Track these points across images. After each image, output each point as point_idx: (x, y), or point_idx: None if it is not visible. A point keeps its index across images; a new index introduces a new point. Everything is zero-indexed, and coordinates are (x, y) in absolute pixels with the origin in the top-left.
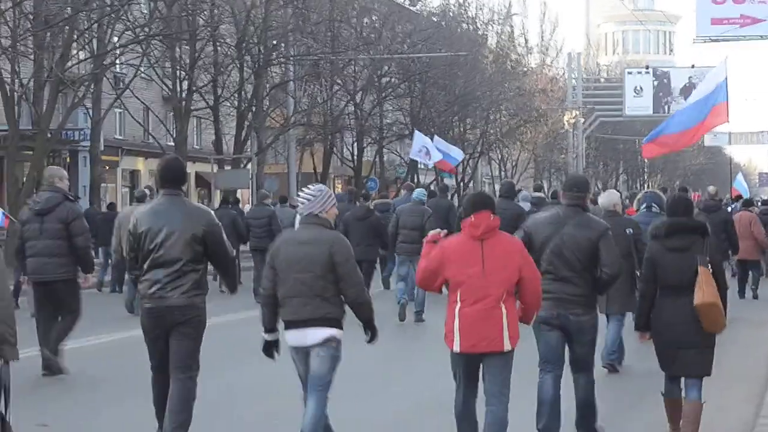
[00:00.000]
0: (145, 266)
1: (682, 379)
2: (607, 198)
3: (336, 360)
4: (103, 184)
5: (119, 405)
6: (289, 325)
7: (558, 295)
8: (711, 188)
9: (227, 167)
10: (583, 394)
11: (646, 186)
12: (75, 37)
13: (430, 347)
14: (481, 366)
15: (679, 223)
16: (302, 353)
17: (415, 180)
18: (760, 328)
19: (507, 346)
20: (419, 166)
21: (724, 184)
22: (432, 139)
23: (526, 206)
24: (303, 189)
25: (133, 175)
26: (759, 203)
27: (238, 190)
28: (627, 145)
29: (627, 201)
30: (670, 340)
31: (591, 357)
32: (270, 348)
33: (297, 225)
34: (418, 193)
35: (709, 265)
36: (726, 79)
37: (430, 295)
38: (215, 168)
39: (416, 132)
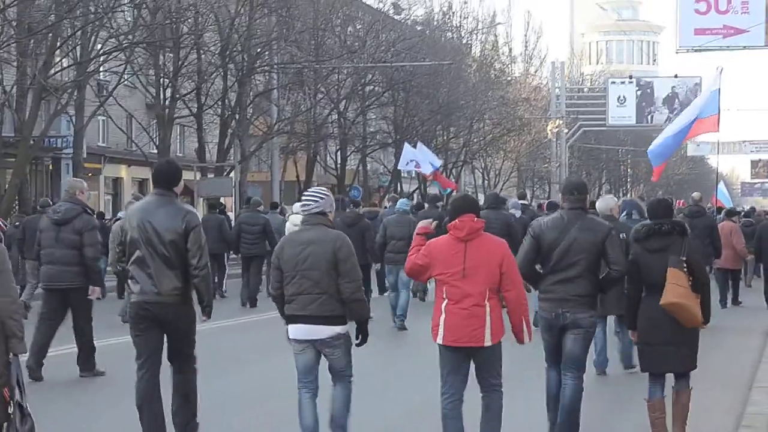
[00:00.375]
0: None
1: (668, 382)
2: (605, 203)
3: (348, 350)
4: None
5: (117, 406)
6: (296, 319)
7: (561, 296)
8: (695, 194)
9: (210, 175)
10: (570, 396)
11: (629, 195)
12: (58, 44)
13: (419, 352)
14: (470, 360)
15: (657, 225)
16: (304, 345)
17: (399, 189)
18: (744, 336)
19: (488, 342)
20: (402, 174)
21: (707, 193)
22: (415, 146)
23: (517, 213)
24: (309, 190)
25: (116, 182)
26: (741, 214)
27: (222, 198)
28: (610, 155)
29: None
30: (652, 337)
31: (583, 357)
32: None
33: (291, 227)
34: (401, 203)
35: (686, 264)
36: (719, 90)
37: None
38: (198, 176)
39: (405, 144)
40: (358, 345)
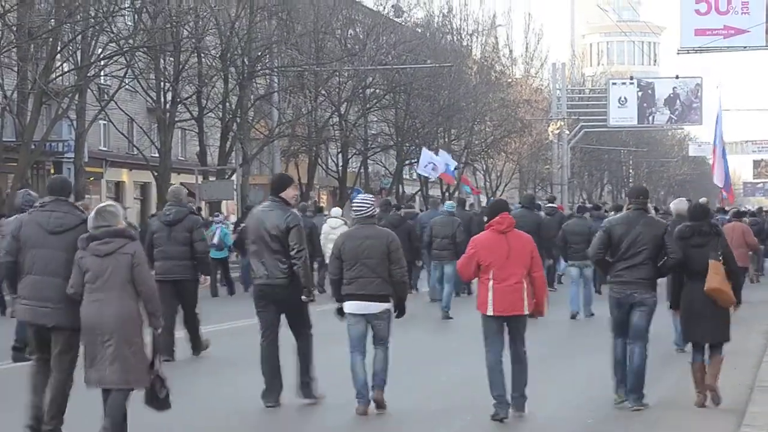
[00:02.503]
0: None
1: (706, 353)
2: (679, 204)
3: (390, 322)
4: (87, 196)
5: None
6: (354, 297)
7: (629, 279)
8: (702, 200)
9: (212, 178)
10: (638, 361)
11: None
12: (59, 48)
13: (458, 337)
14: (505, 327)
15: (698, 226)
16: (359, 318)
17: (400, 191)
18: (746, 334)
19: (526, 311)
20: (404, 177)
21: (708, 194)
22: (437, 153)
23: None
24: (359, 197)
25: (118, 186)
26: (747, 214)
27: (223, 201)
28: (612, 156)
29: (612, 213)
30: (692, 314)
31: (647, 328)
32: (341, 313)
33: (329, 228)
34: (448, 205)
35: (722, 255)
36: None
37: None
38: (200, 179)
39: (424, 149)
40: (397, 317)
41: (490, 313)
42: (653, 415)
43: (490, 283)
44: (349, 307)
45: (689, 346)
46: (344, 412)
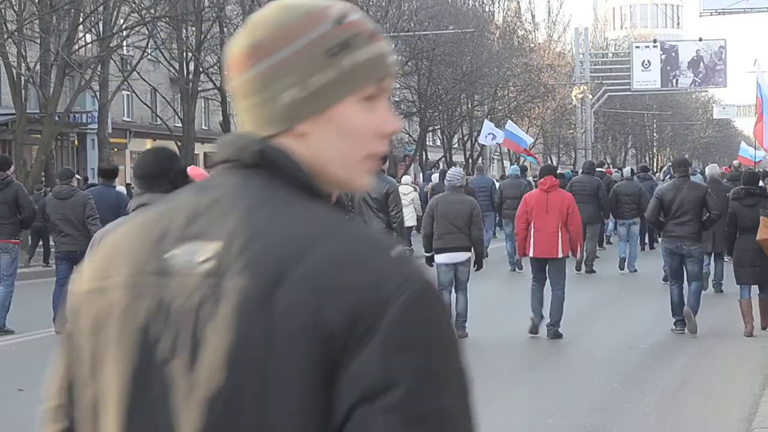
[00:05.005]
0: None
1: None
2: (712, 170)
3: (469, 269)
4: None
5: None
6: (444, 250)
7: (679, 233)
8: (735, 162)
9: None
10: (695, 291)
11: (655, 159)
12: (81, 19)
13: (522, 289)
14: (546, 267)
15: (751, 189)
16: (450, 266)
17: (424, 158)
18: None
19: (560, 254)
20: (428, 143)
21: (732, 156)
22: (505, 125)
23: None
24: (452, 170)
25: None
26: None
27: None
28: (635, 119)
29: (636, 177)
30: (744, 261)
31: (699, 272)
32: (430, 261)
33: (401, 193)
34: (513, 169)
35: None
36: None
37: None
38: None
39: (486, 120)
40: (476, 270)
41: (531, 255)
42: (705, 344)
43: (532, 231)
44: (441, 258)
45: (727, 288)
46: None
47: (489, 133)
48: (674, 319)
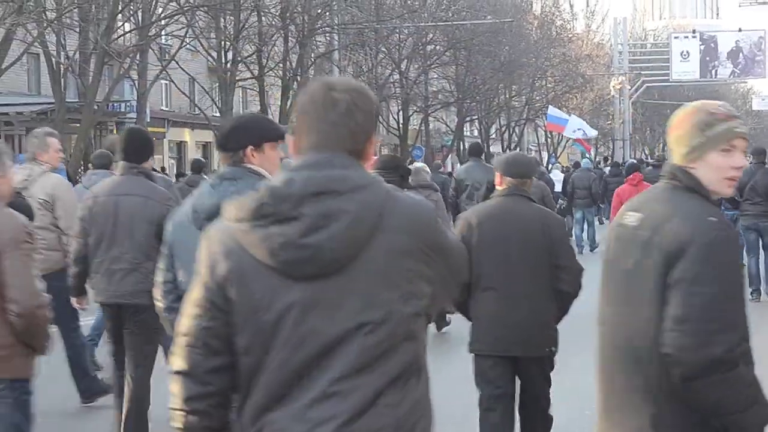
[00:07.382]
0: None
1: None
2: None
3: None
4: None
5: None
6: None
7: (754, 212)
8: None
9: None
10: None
11: None
12: (120, 8)
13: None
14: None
15: None
16: None
17: (462, 148)
18: None
19: None
20: (465, 133)
21: None
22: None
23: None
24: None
25: (180, 146)
26: None
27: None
28: (674, 111)
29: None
30: None
31: None
32: None
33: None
34: (585, 162)
35: None
36: None
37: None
38: None
39: (572, 115)
40: None
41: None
42: None
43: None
44: None
45: None
46: None
47: (578, 128)
48: (750, 289)
